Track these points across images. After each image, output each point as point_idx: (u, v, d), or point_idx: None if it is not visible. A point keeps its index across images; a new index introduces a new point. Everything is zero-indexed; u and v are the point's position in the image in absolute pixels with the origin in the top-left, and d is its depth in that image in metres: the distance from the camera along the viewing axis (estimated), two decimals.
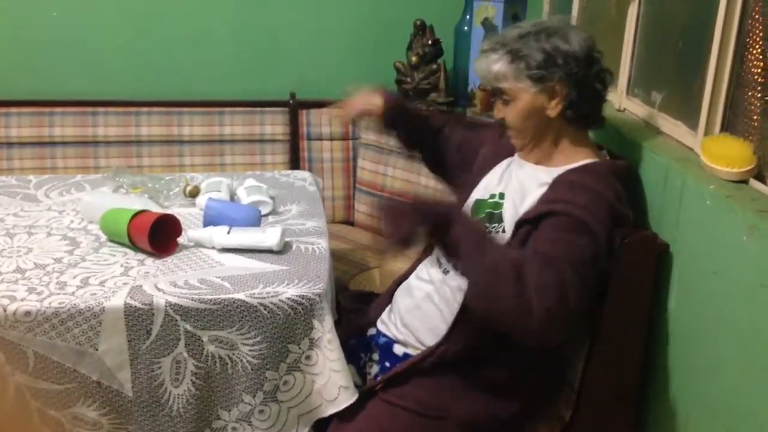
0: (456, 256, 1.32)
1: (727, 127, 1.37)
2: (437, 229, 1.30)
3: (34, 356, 1.38)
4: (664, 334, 1.43)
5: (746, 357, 1.16)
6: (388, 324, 1.61)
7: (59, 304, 1.38)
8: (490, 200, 1.54)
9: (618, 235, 1.36)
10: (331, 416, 1.49)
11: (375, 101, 1.75)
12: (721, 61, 1.35)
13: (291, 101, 2.78)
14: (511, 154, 1.59)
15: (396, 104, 1.78)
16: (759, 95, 1.28)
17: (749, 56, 1.31)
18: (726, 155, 1.29)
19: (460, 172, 1.74)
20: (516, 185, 1.51)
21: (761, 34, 1.27)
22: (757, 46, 1.28)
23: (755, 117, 1.30)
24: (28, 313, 1.37)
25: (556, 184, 1.42)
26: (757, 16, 1.28)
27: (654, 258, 1.41)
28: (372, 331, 1.65)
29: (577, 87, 1.43)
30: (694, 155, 1.42)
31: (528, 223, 1.38)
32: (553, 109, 1.44)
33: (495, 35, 1.56)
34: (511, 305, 1.24)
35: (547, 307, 1.22)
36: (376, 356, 1.61)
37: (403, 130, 1.80)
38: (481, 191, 1.58)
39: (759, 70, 1.28)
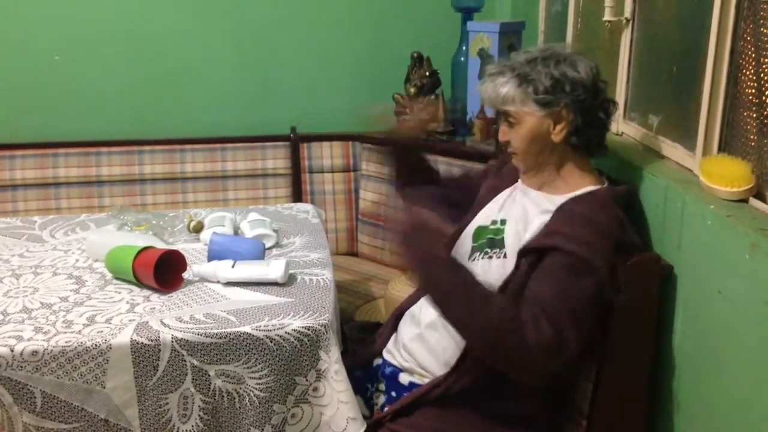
0: (440, 297, 1.37)
1: (725, 147, 1.38)
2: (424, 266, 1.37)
3: (42, 396, 1.38)
4: (671, 356, 1.43)
5: (753, 375, 1.15)
6: (393, 353, 1.61)
7: (66, 342, 1.38)
8: (492, 226, 1.55)
9: (621, 264, 1.36)
10: None
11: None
12: (716, 82, 1.37)
13: (292, 135, 2.81)
14: (513, 183, 1.61)
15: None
16: (755, 115, 1.29)
17: (743, 77, 1.32)
18: (725, 175, 1.29)
19: (463, 209, 1.75)
20: (519, 211, 1.52)
21: (754, 56, 1.29)
22: (750, 68, 1.30)
23: (752, 137, 1.31)
24: (35, 353, 1.37)
25: (559, 213, 1.43)
26: (748, 38, 1.30)
27: (658, 280, 1.42)
28: (378, 362, 1.64)
29: (582, 114, 1.45)
30: (693, 176, 1.43)
31: (530, 253, 1.39)
32: (558, 134, 1.46)
33: (502, 59, 1.59)
34: (512, 353, 1.31)
35: (546, 353, 1.28)
36: (382, 386, 1.60)
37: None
38: (483, 218, 1.60)
39: (753, 91, 1.29)
